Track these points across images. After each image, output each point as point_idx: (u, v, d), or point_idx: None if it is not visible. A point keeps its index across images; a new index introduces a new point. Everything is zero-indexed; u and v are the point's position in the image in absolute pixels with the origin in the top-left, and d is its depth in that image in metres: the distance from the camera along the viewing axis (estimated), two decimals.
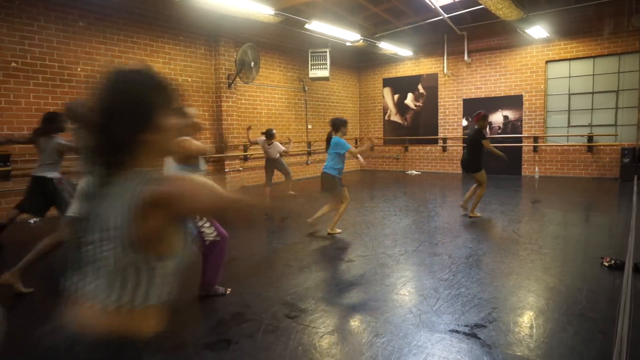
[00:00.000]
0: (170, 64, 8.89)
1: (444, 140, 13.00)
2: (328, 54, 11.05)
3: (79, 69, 7.46)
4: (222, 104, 9.76)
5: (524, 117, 11.64)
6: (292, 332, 2.82)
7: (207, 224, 3.42)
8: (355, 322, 2.96)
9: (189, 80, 9.29)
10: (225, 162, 9.95)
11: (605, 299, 3.29)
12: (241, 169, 10.38)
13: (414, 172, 13.04)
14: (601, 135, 10.63)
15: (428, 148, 13.38)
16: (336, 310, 3.16)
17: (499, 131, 12.03)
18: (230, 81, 9.83)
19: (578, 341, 2.63)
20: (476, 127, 6.41)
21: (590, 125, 10.79)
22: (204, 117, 9.64)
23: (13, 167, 6.66)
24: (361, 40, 11.02)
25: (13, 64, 6.68)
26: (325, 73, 11.18)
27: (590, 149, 10.72)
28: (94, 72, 7.66)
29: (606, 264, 3.99)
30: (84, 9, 7.45)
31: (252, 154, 10.70)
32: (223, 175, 9.93)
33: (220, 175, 9.97)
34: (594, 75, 10.69)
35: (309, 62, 11.19)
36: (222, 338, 2.77)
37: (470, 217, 6.33)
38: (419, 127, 13.56)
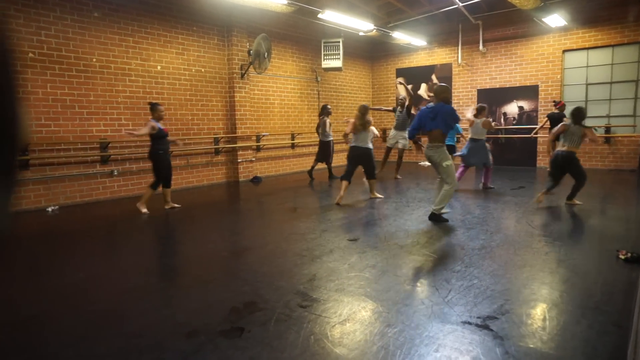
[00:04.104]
0: (183, 54, 8.93)
1: None
2: (341, 44, 10.98)
3: (94, 60, 7.54)
4: (235, 94, 9.78)
5: (539, 108, 11.45)
6: (305, 322, 2.84)
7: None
8: (367, 313, 2.97)
9: (202, 70, 9.32)
10: (238, 153, 9.99)
11: (621, 292, 3.25)
12: (253, 159, 10.42)
13: (427, 164, 12.94)
14: (619, 126, 10.43)
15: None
16: (348, 300, 3.18)
17: (514, 122, 11.87)
18: (243, 71, 9.84)
19: (592, 334, 2.61)
20: (558, 111, 9.23)
21: (608, 116, 10.58)
22: (217, 107, 9.68)
23: (31, 156, 6.78)
24: (374, 30, 10.92)
25: (30, 55, 6.78)
26: (338, 63, 11.11)
27: (607, 140, 10.53)
28: (108, 62, 7.74)
29: (622, 257, 3.93)
30: None
31: (264, 145, 10.73)
32: (236, 165, 9.99)
33: (232, 166, 10.03)
34: (612, 64, 10.46)
35: (322, 52, 11.13)
36: (235, 326, 2.81)
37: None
38: None
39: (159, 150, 6.48)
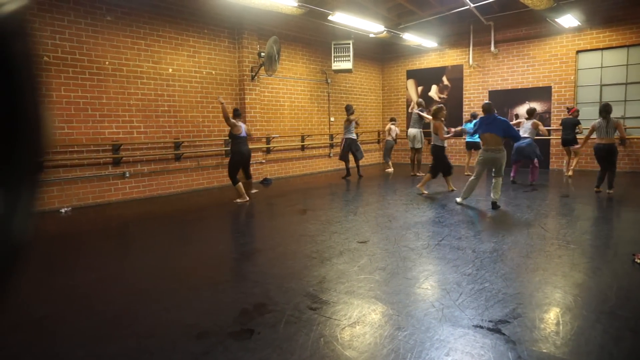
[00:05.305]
0: (194, 56, 8.99)
1: None
2: (351, 46, 10.96)
3: (107, 63, 7.63)
4: (246, 96, 9.82)
5: (552, 110, 11.31)
6: (314, 324, 2.83)
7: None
8: (376, 315, 2.95)
9: (213, 73, 9.38)
10: None
11: (637, 297, 3.19)
12: (264, 161, 10.45)
13: None
14: (634, 127, 10.25)
15: (452, 141, 13.16)
16: (358, 303, 3.16)
17: None
18: (254, 74, 9.87)
19: (607, 339, 2.56)
20: (571, 116, 9.46)
21: (623, 118, 10.41)
22: (227, 110, 9.71)
23: (45, 158, 6.86)
24: (385, 32, 10.90)
25: (45, 58, 6.88)
26: (348, 65, 11.10)
27: (622, 142, 10.35)
28: (121, 65, 7.83)
29: (638, 261, 3.86)
30: (111, 3, 7.60)
31: (274, 147, 10.75)
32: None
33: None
34: (627, 65, 10.30)
35: (332, 54, 11.13)
36: (245, 328, 2.81)
37: (571, 175, 9.76)
38: None
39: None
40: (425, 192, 7.92)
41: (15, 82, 0.56)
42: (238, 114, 7.57)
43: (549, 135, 9.02)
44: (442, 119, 7.92)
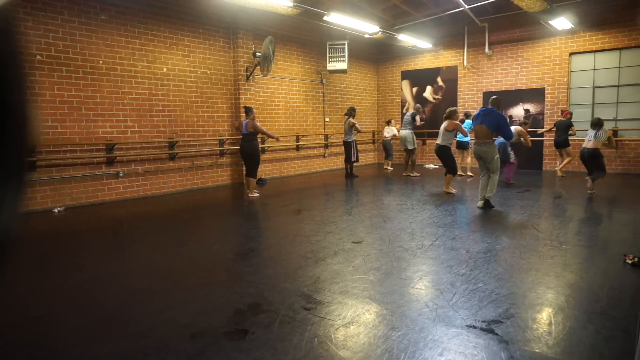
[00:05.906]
0: (189, 56, 8.96)
1: None
2: (346, 46, 10.98)
3: (100, 62, 7.58)
4: (241, 96, 9.80)
5: (545, 111, 11.39)
6: (308, 324, 2.84)
7: (512, 152, 8.61)
8: (371, 315, 2.96)
9: (208, 72, 9.35)
10: None
11: (628, 297, 3.22)
12: None
13: (432, 166, 12.92)
14: (626, 129, 10.35)
15: None
16: (352, 303, 3.17)
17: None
18: (249, 73, 9.86)
19: (599, 339, 2.59)
20: (565, 119, 9.62)
21: (615, 120, 10.51)
22: (222, 109, 9.71)
23: (38, 157, 6.82)
24: (380, 32, 10.92)
25: (38, 57, 6.83)
26: (343, 65, 11.12)
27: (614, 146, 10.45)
28: (115, 64, 7.79)
29: (629, 262, 3.90)
30: (106, 2, 7.56)
31: (269, 147, 10.74)
32: (240, 167, 10.00)
33: (237, 167, 10.05)
34: (619, 67, 10.39)
35: (327, 55, 11.14)
36: (239, 328, 2.81)
37: (561, 175, 9.88)
38: (437, 120, 13.39)
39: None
40: (453, 190, 8.02)
41: (1, 80, 0.55)
42: (245, 110, 7.91)
43: (530, 144, 8.95)
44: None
